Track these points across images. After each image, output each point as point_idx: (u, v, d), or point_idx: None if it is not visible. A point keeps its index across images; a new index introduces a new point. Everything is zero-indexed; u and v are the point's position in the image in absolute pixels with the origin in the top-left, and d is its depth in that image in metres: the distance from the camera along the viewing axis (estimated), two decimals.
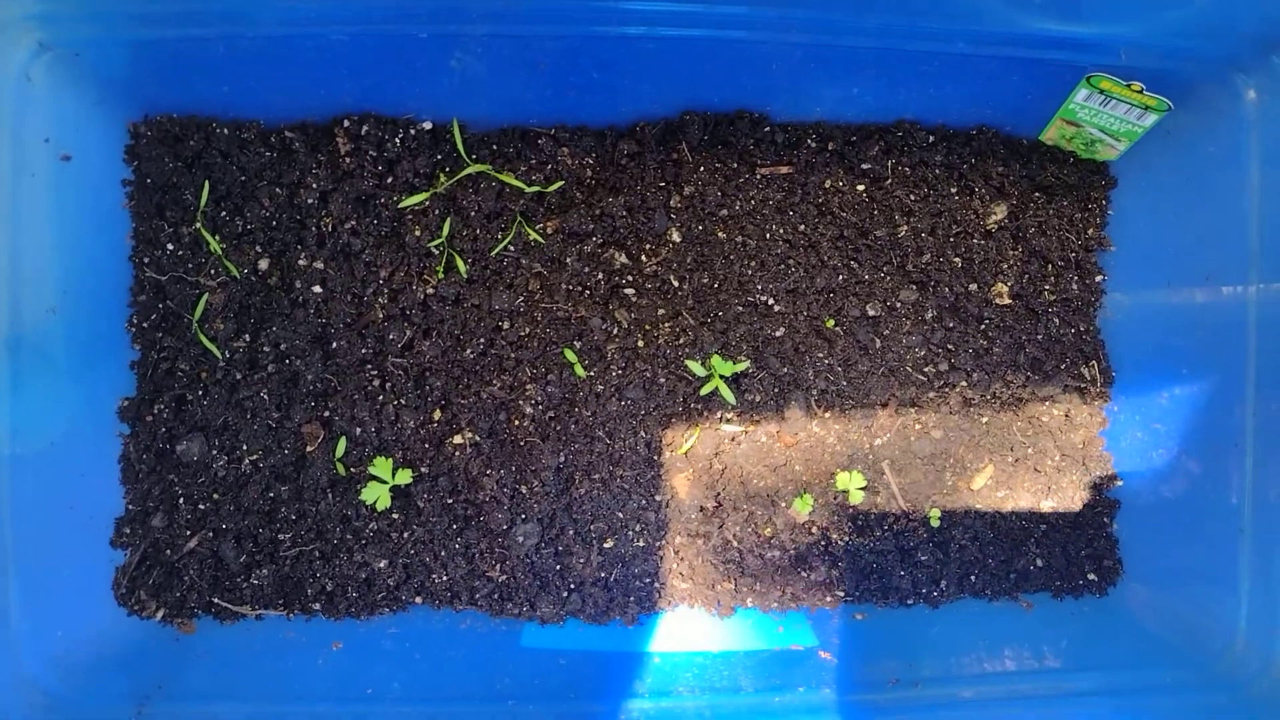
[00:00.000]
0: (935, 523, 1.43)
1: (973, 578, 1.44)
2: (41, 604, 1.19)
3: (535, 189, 1.39)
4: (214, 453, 1.35)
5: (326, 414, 1.37)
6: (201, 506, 1.35)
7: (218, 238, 1.36)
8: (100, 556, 1.31)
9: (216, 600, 1.34)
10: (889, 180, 1.47)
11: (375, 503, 1.34)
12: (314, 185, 1.37)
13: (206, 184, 1.36)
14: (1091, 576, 1.47)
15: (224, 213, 1.37)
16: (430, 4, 1.18)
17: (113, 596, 1.31)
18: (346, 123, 1.38)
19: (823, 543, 1.41)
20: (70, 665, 1.21)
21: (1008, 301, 1.48)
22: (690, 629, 1.39)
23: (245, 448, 1.35)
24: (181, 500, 1.34)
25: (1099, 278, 1.51)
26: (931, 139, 1.47)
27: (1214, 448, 1.34)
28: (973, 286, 1.48)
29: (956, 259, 1.48)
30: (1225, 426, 1.31)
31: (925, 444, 1.44)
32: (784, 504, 1.40)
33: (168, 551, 1.34)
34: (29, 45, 1.17)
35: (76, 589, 1.27)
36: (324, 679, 1.28)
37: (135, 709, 1.19)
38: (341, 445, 1.36)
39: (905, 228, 1.47)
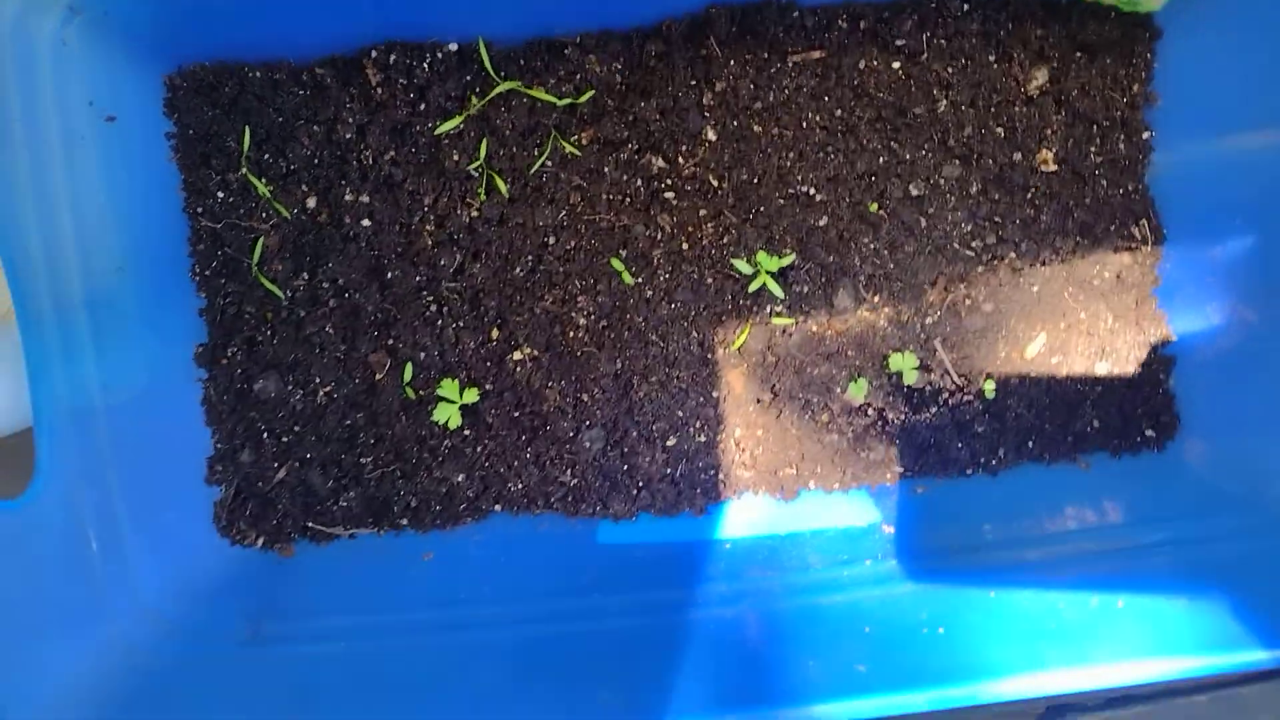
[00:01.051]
0: (990, 394, 1.45)
1: (1030, 443, 1.47)
2: (153, 541, 1.28)
3: (567, 101, 1.40)
4: (289, 388, 1.41)
5: (390, 342, 1.42)
6: (285, 439, 1.42)
7: (264, 180, 1.40)
8: (199, 493, 1.40)
9: (310, 524, 1.42)
10: (925, 55, 1.44)
11: (447, 422, 1.40)
12: (350, 120, 1.39)
13: (246, 128, 1.38)
14: (1149, 433, 1.48)
15: (267, 155, 1.40)
16: None
17: (214, 529, 1.40)
18: (374, 53, 1.38)
19: (880, 423, 1.44)
20: (185, 594, 1.31)
21: (1053, 168, 1.46)
22: (757, 514, 1.45)
23: (318, 380, 1.41)
24: (265, 435, 1.42)
25: (1146, 135, 1.48)
26: (966, 6, 1.43)
27: (1268, 296, 1.33)
28: (1016, 156, 1.46)
29: (999, 129, 1.46)
30: (1278, 274, 1.30)
31: (977, 318, 1.45)
32: (839, 389, 1.43)
33: (259, 484, 1.42)
34: (58, 13, 1.19)
35: (181, 525, 1.35)
36: (418, 588, 1.36)
37: (250, 629, 1.29)
38: (408, 370, 1.41)
39: (944, 102, 1.45)
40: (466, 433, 1.43)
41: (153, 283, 1.34)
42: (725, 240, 1.43)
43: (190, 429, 1.40)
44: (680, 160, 1.44)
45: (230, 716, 1.17)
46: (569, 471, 1.44)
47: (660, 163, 1.44)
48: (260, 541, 1.42)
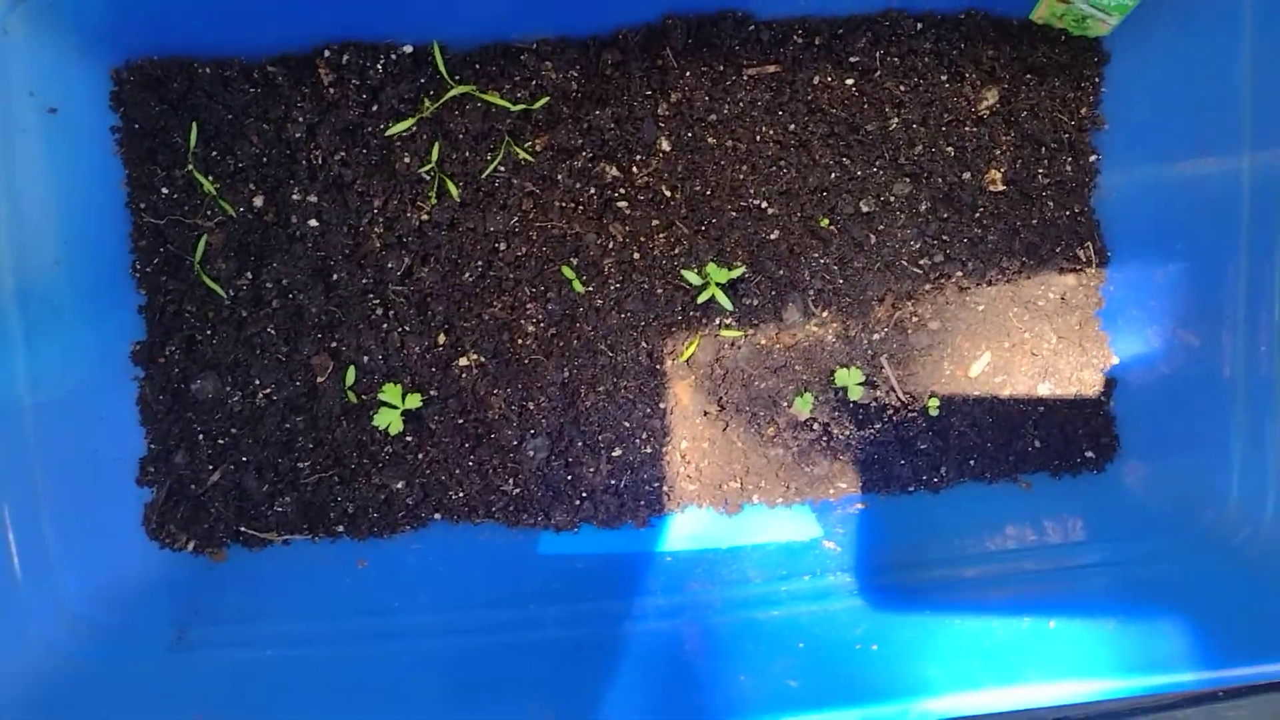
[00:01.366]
0: (934, 412, 1.46)
1: (972, 462, 1.48)
2: (78, 543, 1.26)
3: (521, 107, 1.39)
4: (228, 389, 1.39)
5: (333, 345, 1.40)
6: (221, 441, 1.40)
7: (210, 178, 1.38)
8: (129, 495, 1.37)
9: (244, 529, 1.40)
10: (878, 72, 1.45)
11: (388, 427, 1.38)
12: (300, 119, 1.38)
13: (194, 125, 1.36)
14: (1089, 454, 1.50)
15: (214, 153, 1.38)
16: None
17: (144, 532, 1.37)
18: (327, 52, 1.37)
19: (825, 438, 1.45)
20: (111, 598, 1.28)
21: (1001, 188, 1.48)
22: (699, 527, 1.45)
23: (258, 382, 1.39)
24: (201, 436, 1.39)
25: (1093, 158, 1.49)
26: (920, 26, 1.45)
27: (1208, 321, 1.35)
28: (966, 175, 1.47)
29: (949, 148, 1.47)
30: (1219, 299, 1.33)
31: (922, 336, 1.46)
32: (785, 404, 1.43)
33: (192, 486, 1.39)
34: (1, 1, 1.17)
35: (110, 527, 1.33)
36: (352, 596, 1.34)
37: (176, 634, 1.27)
38: (351, 374, 1.40)
39: (896, 120, 1.46)
40: (408, 439, 1.41)
41: (91, 278, 1.32)
42: (676, 251, 1.43)
43: (123, 429, 1.37)
44: (634, 170, 1.44)
45: None
46: (511, 480, 1.43)
47: (614, 171, 1.44)
48: (191, 545, 1.39)
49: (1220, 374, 1.32)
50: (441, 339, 1.41)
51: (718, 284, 1.40)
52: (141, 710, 1.15)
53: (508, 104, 1.39)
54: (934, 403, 1.46)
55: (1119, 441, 1.50)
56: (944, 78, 1.47)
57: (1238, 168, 1.30)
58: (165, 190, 1.37)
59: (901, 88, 1.46)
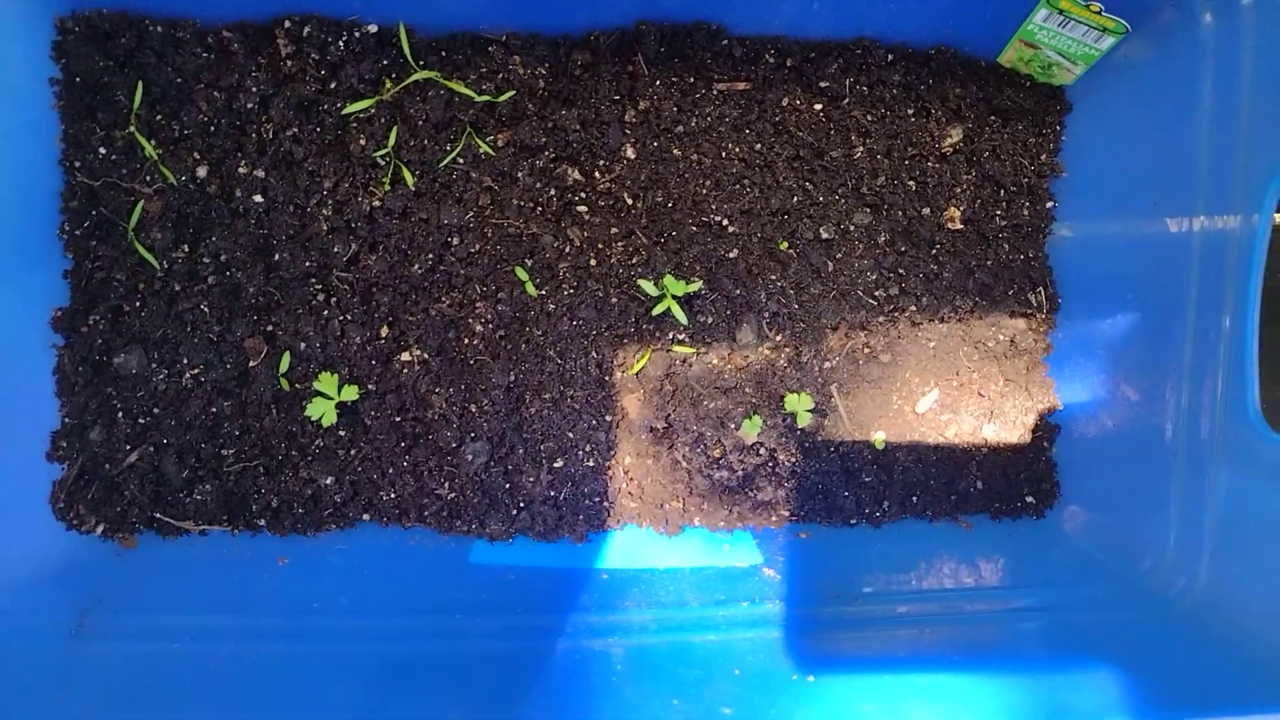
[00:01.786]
0: (880, 445, 1.45)
1: (914, 499, 1.47)
2: None
3: (485, 99, 1.35)
4: (153, 366, 1.31)
5: (269, 328, 1.34)
6: (141, 421, 1.32)
7: (153, 143, 1.31)
8: (37, 471, 1.28)
9: (159, 515, 1.32)
10: (846, 100, 1.45)
11: (321, 419, 1.32)
12: (254, 89, 1.32)
13: (140, 85, 1.29)
14: (1029, 499, 1.50)
15: (159, 116, 1.31)
16: None
17: (50, 511, 1.28)
18: (288, 23, 1.32)
19: (770, 464, 1.42)
20: (7, 579, 1.19)
21: (959, 226, 1.48)
22: (638, 547, 1.41)
23: (186, 361, 1.32)
24: (120, 414, 1.31)
25: (1050, 204, 1.51)
26: (890, 58, 1.45)
27: (1153, 376, 1.36)
28: (925, 210, 1.47)
29: (911, 182, 1.47)
30: (1164, 356, 1.34)
31: (873, 368, 1.45)
32: (733, 425, 1.41)
33: (107, 466, 1.31)
34: None
35: (12, 503, 1.24)
36: (270, 593, 1.27)
37: (75, 621, 1.18)
38: (285, 360, 1.33)
39: (861, 149, 1.46)
40: (341, 433, 1.35)
41: (15, 235, 1.23)
42: (634, 261, 1.40)
43: (37, 399, 1.29)
44: (597, 174, 1.41)
45: (46, 713, 1.06)
46: (448, 484, 1.37)
47: (576, 174, 1.40)
48: (100, 529, 1.30)
49: (1162, 429, 1.34)
50: (385, 331, 1.36)
51: (674, 297, 1.38)
52: (36, 699, 1.07)
53: (472, 94, 1.35)
54: (880, 436, 1.45)
55: (1059, 488, 1.51)
56: (910, 111, 1.48)
57: (1190, 227, 1.32)
58: (103, 150, 1.30)
59: (869, 117, 1.46)
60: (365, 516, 1.37)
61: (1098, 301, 1.47)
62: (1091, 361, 1.47)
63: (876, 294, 1.46)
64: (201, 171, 1.32)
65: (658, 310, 1.38)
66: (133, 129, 1.30)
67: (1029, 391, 1.50)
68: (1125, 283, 1.43)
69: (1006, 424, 1.50)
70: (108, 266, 1.30)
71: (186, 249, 1.32)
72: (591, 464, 1.39)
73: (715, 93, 1.43)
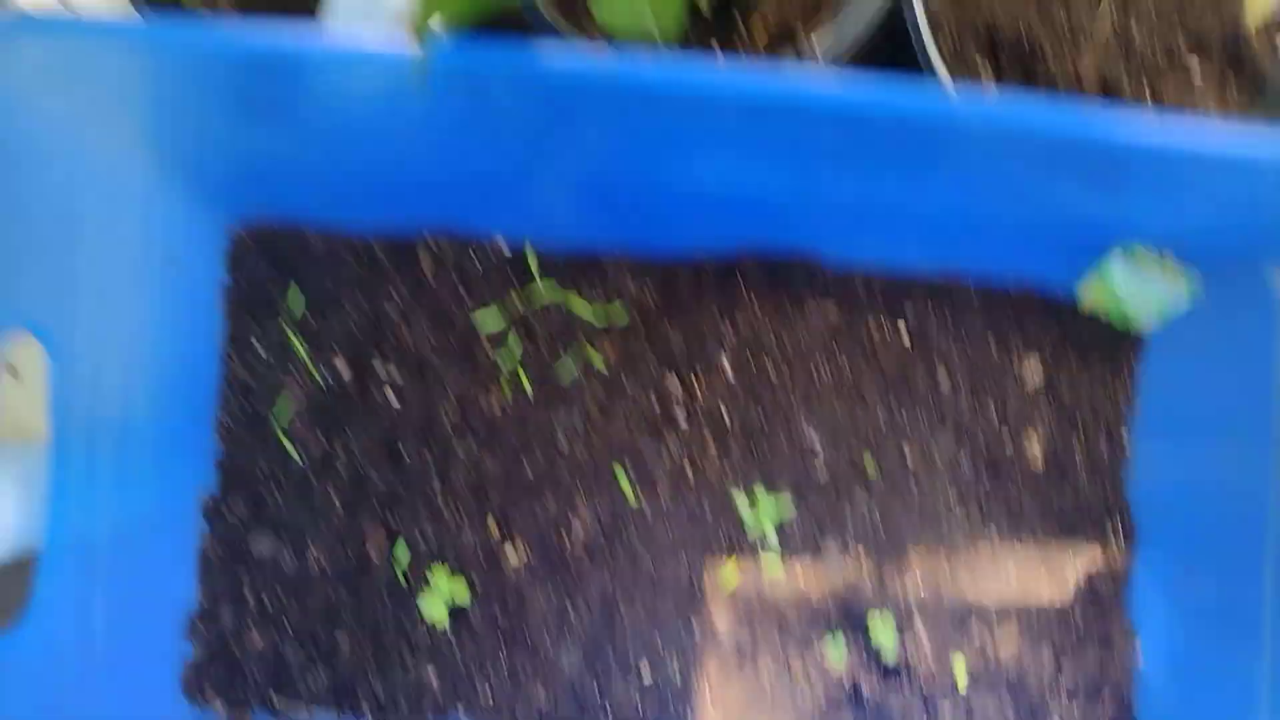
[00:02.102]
0: (963, 687, 1.47)
1: None
2: (118, 692, 1.25)
3: (603, 324, 1.47)
4: (284, 552, 1.42)
5: (390, 520, 1.44)
6: (269, 605, 1.41)
7: (304, 343, 1.44)
8: (172, 648, 1.37)
9: (274, 695, 1.40)
10: (932, 333, 1.55)
11: (433, 618, 1.39)
12: (396, 299, 1.46)
13: (299, 291, 1.44)
14: None
15: (311, 319, 1.46)
16: (519, 149, 1.27)
17: (179, 688, 1.37)
18: (430, 241, 1.46)
19: (852, 691, 1.46)
20: None
21: (1040, 461, 1.55)
22: None
23: (312, 549, 1.42)
24: (250, 598, 1.41)
25: (1126, 441, 1.57)
26: (974, 296, 1.55)
27: (1230, 628, 1.38)
28: (1007, 442, 1.54)
29: (993, 414, 1.55)
30: (1245, 612, 1.36)
31: (955, 596, 1.49)
32: (817, 647, 1.45)
33: (233, 647, 1.40)
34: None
35: (148, 679, 1.32)
36: None
37: None
38: (404, 552, 1.42)
39: (946, 381, 1.55)
40: (447, 628, 1.42)
41: (174, 428, 1.36)
42: (729, 476, 1.49)
43: (180, 580, 1.39)
44: (696, 388, 1.51)
45: None
46: (542, 689, 1.43)
47: (677, 387, 1.50)
48: (221, 708, 1.38)
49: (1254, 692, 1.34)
50: (494, 530, 1.45)
51: (766, 518, 1.45)
52: None
53: (594, 320, 1.47)
54: (961, 669, 1.47)
55: None
56: (993, 347, 1.57)
57: (1265, 479, 1.36)
58: (260, 349, 1.44)
59: (952, 349, 1.55)
60: (460, 710, 1.42)
61: (1177, 547, 1.50)
62: (1173, 607, 1.49)
63: (959, 521, 1.52)
64: (343, 370, 1.45)
65: (750, 529, 1.45)
66: (288, 330, 1.44)
67: (1109, 638, 1.52)
68: (1201, 527, 1.46)
69: (1085, 665, 1.50)
70: (254, 456, 1.43)
71: (324, 442, 1.44)
72: (679, 679, 1.43)
73: (809, 318, 1.54)
